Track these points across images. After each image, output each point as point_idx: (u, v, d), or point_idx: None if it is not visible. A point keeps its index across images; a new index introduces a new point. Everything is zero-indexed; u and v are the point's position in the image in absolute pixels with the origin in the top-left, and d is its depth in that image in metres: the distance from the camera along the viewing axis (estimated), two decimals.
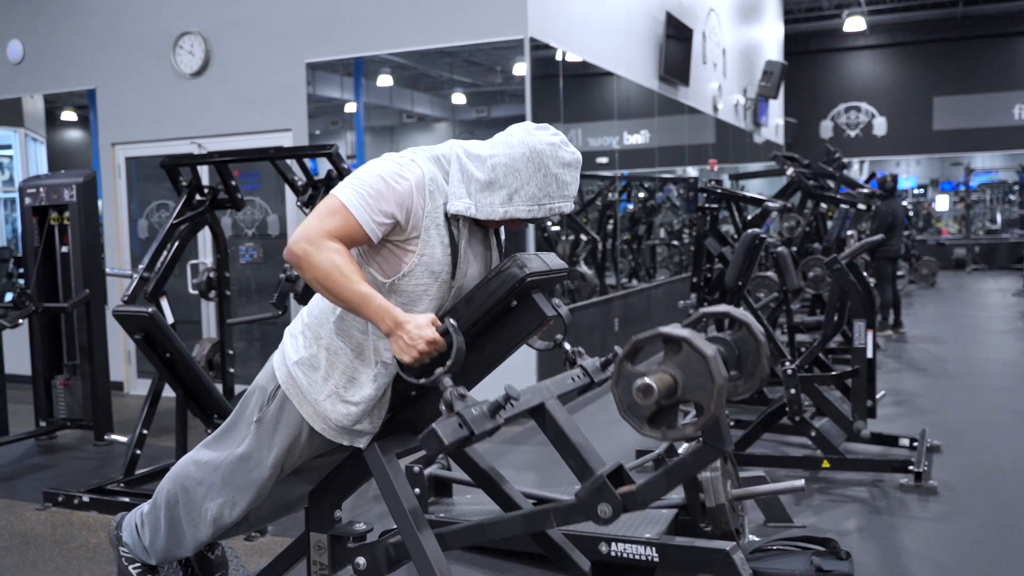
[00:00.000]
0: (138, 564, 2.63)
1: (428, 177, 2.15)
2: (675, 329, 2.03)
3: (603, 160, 8.39)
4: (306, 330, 2.31)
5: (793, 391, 4.47)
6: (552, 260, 2.22)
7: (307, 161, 5.17)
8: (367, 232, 2.10)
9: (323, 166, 5.55)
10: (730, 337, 2.45)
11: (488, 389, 2.20)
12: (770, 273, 7.05)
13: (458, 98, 7.48)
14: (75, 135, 8.33)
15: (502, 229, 2.37)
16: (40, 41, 7.64)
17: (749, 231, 4.97)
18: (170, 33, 7.02)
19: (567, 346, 2.51)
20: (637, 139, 8.95)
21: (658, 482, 2.21)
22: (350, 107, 6.95)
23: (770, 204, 6.22)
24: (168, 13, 7.06)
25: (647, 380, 1.97)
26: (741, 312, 2.49)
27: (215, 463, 2.39)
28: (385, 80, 7.04)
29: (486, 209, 2.13)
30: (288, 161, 5.02)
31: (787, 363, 4.57)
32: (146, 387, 6.80)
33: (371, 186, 2.11)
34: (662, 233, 10.30)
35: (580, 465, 2.21)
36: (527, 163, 2.10)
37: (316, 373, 2.24)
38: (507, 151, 2.14)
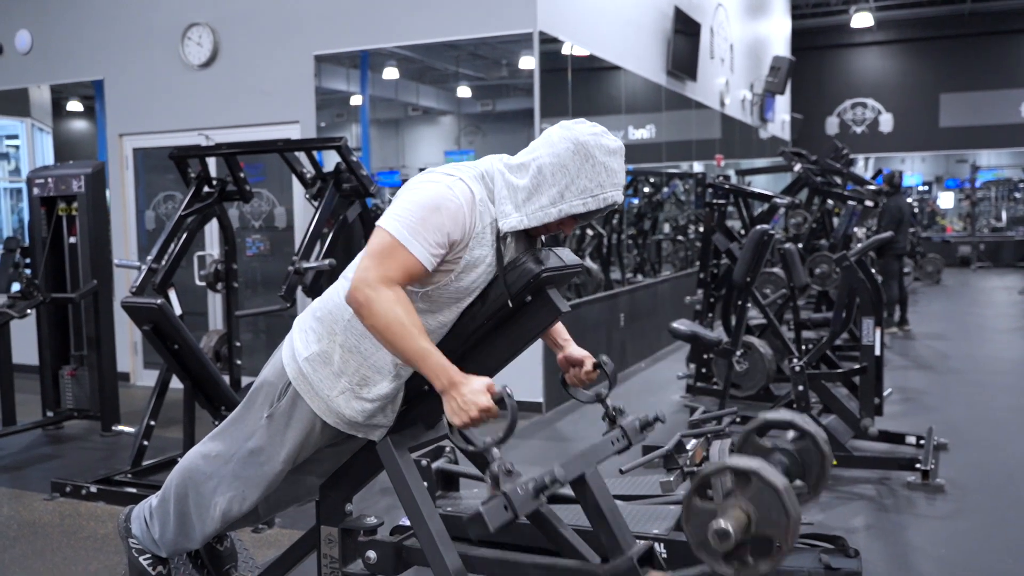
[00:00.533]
0: (148, 556, 2.63)
1: (478, 198, 2.10)
2: (744, 461, 1.99)
3: None
4: (317, 324, 2.29)
5: (801, 388, 4.47)
6: (567, 255, 2.21)
7: (315, 153, 5.15)
8: (425, 266, 2.05)
9: (329, 158, 5.55)
10: (792, 447, 2.43)
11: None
12: (777, 269, 7.05)
13: (463, 91, 7.46)
14: (81, 126, 8.33)
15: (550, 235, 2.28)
16: (48, 31, 7.63)
17: (758, 227, 4.95)
18: (178, 24, 7.01)
19: (609, 403, 2.48)
20: (644, 134, 8.93)
21: None
22: (355, 100, 6.94)
23: (778, 200, 6.21)
24: (176, 4, 7.05)
25: (723, 525, 1.94)
26: (804, 420, 2.44)
27: (225, 457, 2.39)
28: (391, 73, 7.03)
29: (538, 215, 2.07)
30: (296, 153, 5.01)
31: (795, 360, 4.56)
32: (152, 378, 6.82)
33: (424, 216, 2.03)
34: (667, 228, 10.28)
35: (611, 542, 2.20)
36: (574, 157, 2.03)
37: (328, 369, 2.23)
38: (550, 150, 2.07)
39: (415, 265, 2.03)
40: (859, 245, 4.78)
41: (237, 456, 2.36)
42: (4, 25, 7.79)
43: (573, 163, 2.03)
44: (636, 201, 9.31)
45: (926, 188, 19.80)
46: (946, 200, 19.54)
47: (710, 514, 1.98)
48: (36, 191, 5.71)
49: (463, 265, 2.09)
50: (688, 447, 3.54)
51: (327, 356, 2.24)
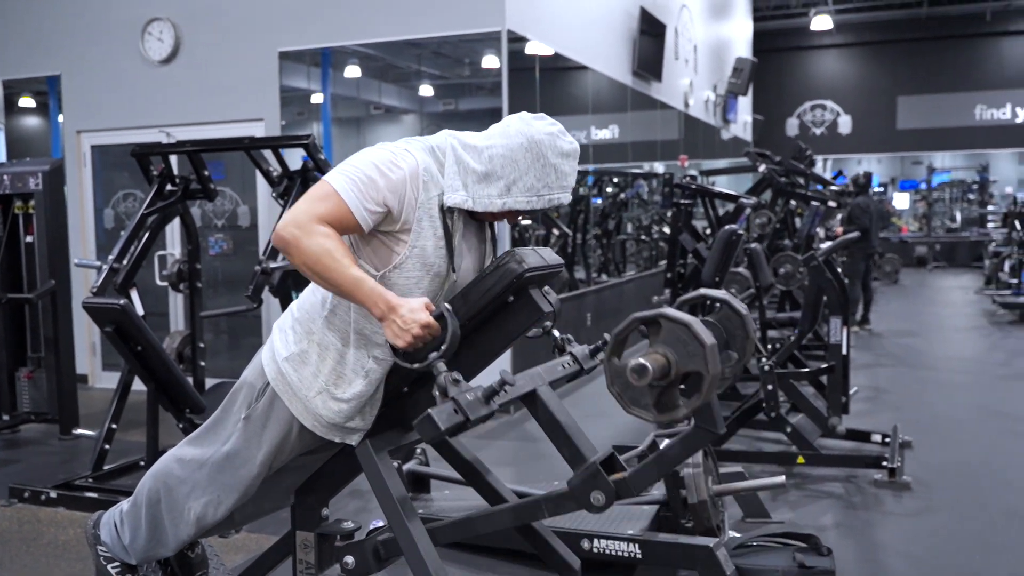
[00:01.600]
0: (117, 564, 2.57)
1: (423, 167, 2.10)
2: (650, 311, 2.04)
3: None
4: (296, 325, 2.26)
5: (770, 387, 4.50)
6: (548, 255, 2.20)
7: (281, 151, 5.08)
8: (358, 219, 2.05)
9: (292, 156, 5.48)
10: (714, 318, 2.45)
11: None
12: (742, 269, 7.11)
13: (426, 90, 7.42)
14: (34, 122, 8.14)
15: (496, 223, 2.34)
16: (3, 25, 7.43)
17: (727, 227, 4.99)
18: (139, 19, 6.87)
19: (556, 333, 2.51)
20: (610, 134, 8.96)
21: (650, 469, 2.22)
22: (316, 98, 6.87)
23: (744, 200, 6.25)
24: None
25: (640, 360, 1.97)
26: (718, 292, 2.49)
27: (199, 461, 2.34)
28: (353, 71, 6.97)
29: (483, 201, 2.09)
30: (263, 151, 4.94)
31: (763, 359, 4.59)
32: (112, 380, 6.67)
33: (364, 173, 2.06)
34: (630, 228, 10.33)
35: (572, 452, 2.21)
36: (525, 153, 2.06)
37: (306, 369, 2.20)
38: (504, 141, 2.09)
39: (347, 215, 2.04)
40: (825, 245, 4.83)
41: (212, 460, 2.31)
42: None
43: (524, 160, 2.06)
44: (600, 201, 9.34)
45: (882, 189, 20.13)
46: (901, 201, 19.89)
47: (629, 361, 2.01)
48: None
49: (414, 237, 2.09)
50: (661, 446, 3.55)
51: (305, 356, 2.21)
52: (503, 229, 6.18)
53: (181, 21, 6.80)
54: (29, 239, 5.58)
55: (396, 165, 2.09)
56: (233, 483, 2.28)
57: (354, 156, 2.15)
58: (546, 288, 2.27)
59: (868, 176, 10.06)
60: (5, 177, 5.53)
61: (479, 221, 2.26)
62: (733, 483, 3.50)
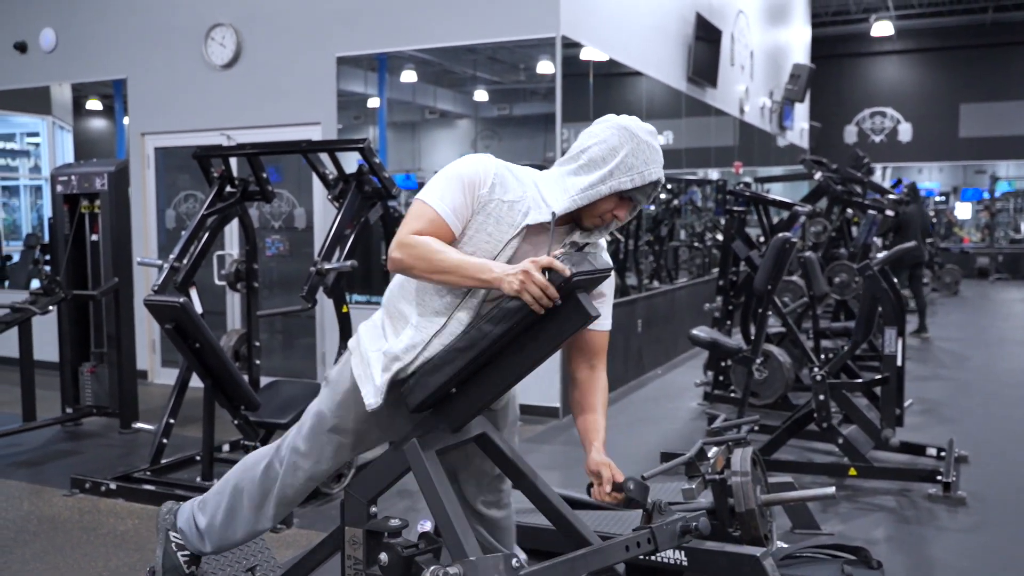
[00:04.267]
0: (186, 552, 2.66)
1: (495, 171, 2.25)
2: None
3: None
4: (381, 310, 2.42)
5: (822, 397, 4.44)
6: (596, 259, 2.20)
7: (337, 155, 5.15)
8: (447, 222, 2.19)
9: (348, 159, 5.55)
10: None
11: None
12: (796, 278, 7.02)
13: (480, 95, 7.47)
14: (101, 124, 8.38)
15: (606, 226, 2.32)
16: (73, 30, 7.69)
17: (780, 235, 4.94)
18: (202, 24, 7.05)
19: (651, 500, 2.39)
20: (664, 140, 8.92)
21: None
22: (373, 102, 6.96)
23: (799, 208, 6.19)
24: (200, 4, 7.09)
25: None
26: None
27: (291, 435, 2.52)
28: (409, 76, 7.04)
29: (588, 193, 2.19)
30: (319, 154, 5.03)
31: (816, 369, 4.53)
32: (170, 376, 6.85)
33: (444, 179, 2.24)
34: (683, 235, 10.25)
35: None
36: (619, 137, 2.21)
37: (375, 331, 2.36)
38: (596, 139, 2.23)
39: (438, 220, 2.19)
40: (881, 255, 4.75)
41: (303, 427, 2.47)
42: (29, 23, 7.85)
43: (619, 142, 2.20)
44: (652, 208, 9.27)
45: (943, 199, 19.68)
46: (963, 211, 19.41)
47: None
48: (60, 188, 5.75)
49: (471, 231, 2.22)
50: (709, 454, 3.53)
51: (376, 323, 2.39)
52: None
53: (242, 27, 6.95)
54: (95, 238, 5.75)
55: (470, 165, 2.26)
56: (318, 445, 2.43)
57: (441, 170, 2.31)
58: (631, 484, 2.26)
59: (912, 186, 9.96)
60: (73, 177, 5.71)
61: (586, 229, 2.29)
62: (782, 493, 3.46)
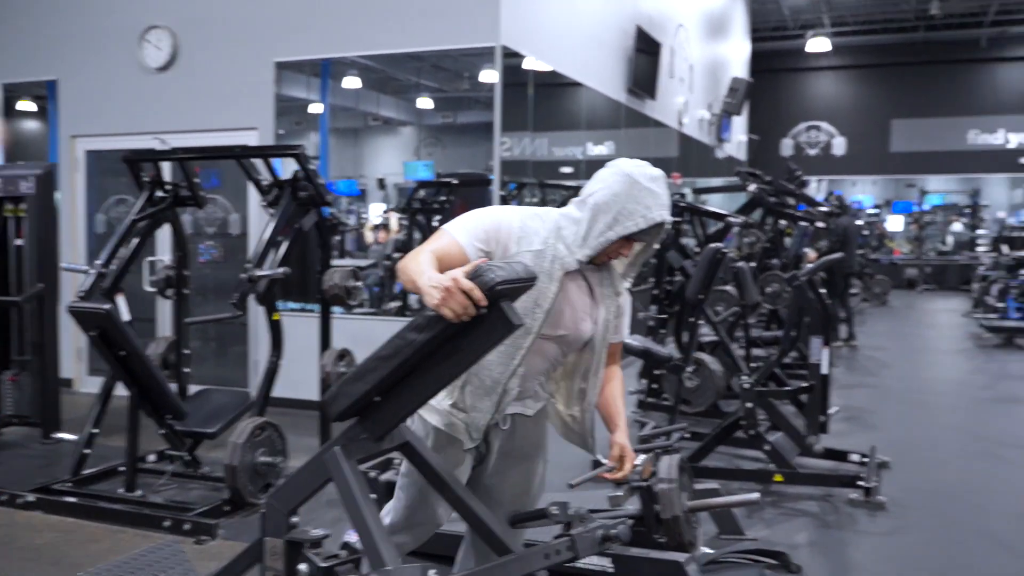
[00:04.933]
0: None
1: (518, 225, 2.36)
2: None
3: (569, 170, 8.42)
4: None
5: (749, 405, 4.53)
6: (520, 268, 2.22)
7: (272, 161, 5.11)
8: (464, 246, 2.28)
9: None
10: None
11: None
12: (728, 287, 7.14)
13: (424, 103, 7.47)
14: (33, 126, 8.17)
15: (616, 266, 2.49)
16: (2, 29, 7.48)
17: (711, 245, 5.02)
18: (137, 26, 6.92)
19: (571, 508, 2.46)
20: (604, 150, 9.01)
21: None
22: (315, 108, 6.91)
23: (732, 219, 6.31)
24: (136, 6, 6.97)
25: None
26: None
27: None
28: (352, 82, 7.01)
29: (599, 241, 2.32)
30: (254, 160, 4.97)
31: (744, 377, 4.62)
32: (97, 385, 6.66)
33: (471, 217, 2.36)
34: None
35: None
36: (622, 183, 2.32)
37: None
38: (602, 185, 2.35)
39: (454, 246, 2.28)
40: (809, 265, 4.87)
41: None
42: None
43: (622, 188, 2.32)
44: None
45: (875, 211, 20.22)
46: (895, 223, 19.98)
47: None
48: None
49: None
50: (637, 462, 3.57)
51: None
52: None
53: (179, 29, 6.85)
54: (19, 242, 5.59)
55: (497, 216, 2.37)
56: (408, 491, 2.53)
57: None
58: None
59: (840, 198, 10.32)
60: None
61: (598, 267, 2.43)
62: (707, 499, 3.51)
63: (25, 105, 7.98)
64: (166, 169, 5.91)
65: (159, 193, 4.89)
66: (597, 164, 8.41)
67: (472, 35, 6.10)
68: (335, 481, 2.21)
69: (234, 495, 4.11)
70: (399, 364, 2.17)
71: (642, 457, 3.60)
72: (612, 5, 8.76)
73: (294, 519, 2.40)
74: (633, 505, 3.51)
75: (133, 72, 6.98)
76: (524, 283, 2.23)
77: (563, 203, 7.75)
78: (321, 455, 2.27)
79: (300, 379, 5.34)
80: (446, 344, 2.18)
